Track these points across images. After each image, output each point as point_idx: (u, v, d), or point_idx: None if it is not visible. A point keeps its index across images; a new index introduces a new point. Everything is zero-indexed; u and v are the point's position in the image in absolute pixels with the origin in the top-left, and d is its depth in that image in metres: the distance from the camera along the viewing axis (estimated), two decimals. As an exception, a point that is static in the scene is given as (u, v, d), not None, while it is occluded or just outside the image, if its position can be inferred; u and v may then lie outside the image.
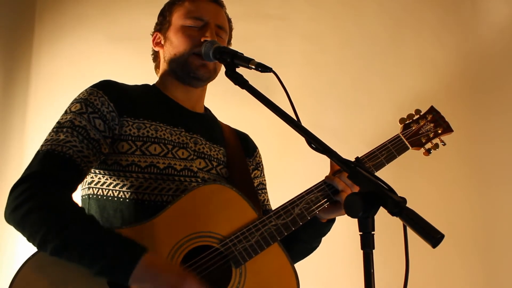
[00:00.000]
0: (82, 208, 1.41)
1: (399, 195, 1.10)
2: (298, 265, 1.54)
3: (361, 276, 1.10)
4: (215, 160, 1.67)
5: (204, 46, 1.56)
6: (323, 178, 1.64)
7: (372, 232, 1.11)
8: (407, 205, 1.07)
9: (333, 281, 2.75)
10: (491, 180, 2.76)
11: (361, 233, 1.11)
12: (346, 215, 1.14)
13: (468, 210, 2.75)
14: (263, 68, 1.37)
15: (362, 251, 1.11)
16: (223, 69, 1.49)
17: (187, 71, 1.64)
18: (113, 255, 1.27)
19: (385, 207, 1.08)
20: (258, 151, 1.88)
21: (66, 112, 1.52)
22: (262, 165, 1.87)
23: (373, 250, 1.11)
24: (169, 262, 1.38)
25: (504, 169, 2.74)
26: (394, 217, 1.06)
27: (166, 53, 1.69)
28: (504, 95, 2.82)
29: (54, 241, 1.28)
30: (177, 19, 1.69)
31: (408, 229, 1.07)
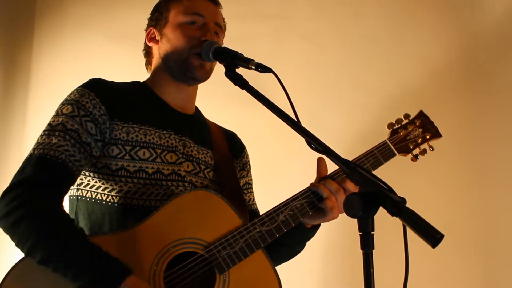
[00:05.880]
0: (71, 220, 1.41)
1: (398, 195, 1.10)
2: (298, 265, 1.54)
3: (361, 277, 1.11)
4: (202, 163, 1.66)
5: (204, 46, 1.56)
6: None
7: (372, 232, 1.11)
8: (407, 205, 1.07)
9: (333, 281, 2.75)
10: (491, 180, 2.76)
11: (360, 233, 1.11)
12: (346, 215, 1.14)
13: (467, 210, 2.75)
14: (262, 68, 1.37)
15: (361, 251, 1.11)
16: (222, 69, 1.49)
17: (185, 70, 1.63)
18: (96, 275, 1.28)
19: (384, 207, 1.08)
20: (246, 151, 1.88)
21: (57, 113, 1.50)
22: (249, 165, 1.87)
23: (373, 250, 1.11)
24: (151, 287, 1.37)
25: (504, 168, 2.74)
26: (394, 217, 1.06)
27: (162, 50, 1.68)
28: (503, 94, 2.81)
29: (40, 252, 1.30)
30: (174, 16, 1.68)
31: (408, 229, 1.07)
